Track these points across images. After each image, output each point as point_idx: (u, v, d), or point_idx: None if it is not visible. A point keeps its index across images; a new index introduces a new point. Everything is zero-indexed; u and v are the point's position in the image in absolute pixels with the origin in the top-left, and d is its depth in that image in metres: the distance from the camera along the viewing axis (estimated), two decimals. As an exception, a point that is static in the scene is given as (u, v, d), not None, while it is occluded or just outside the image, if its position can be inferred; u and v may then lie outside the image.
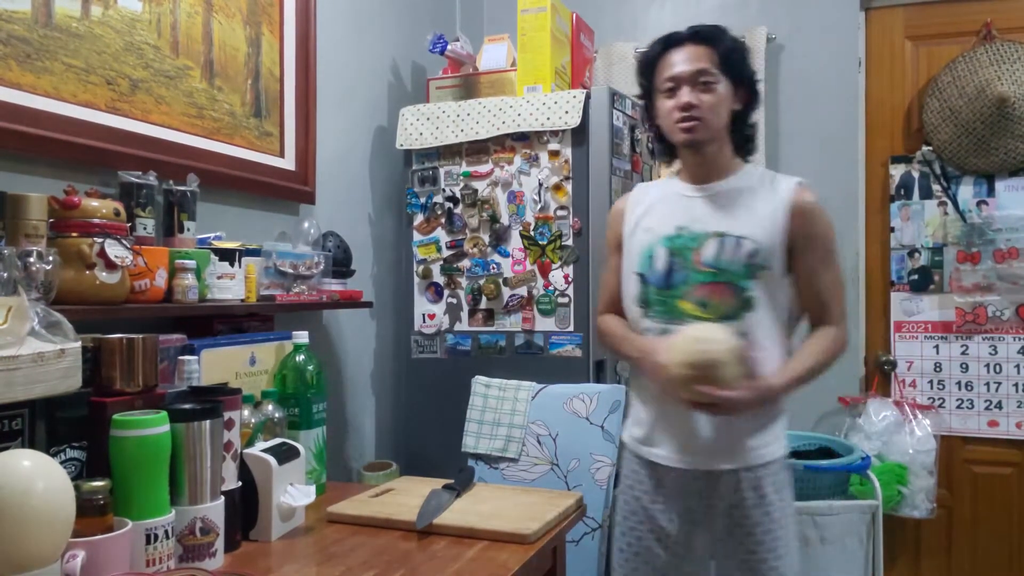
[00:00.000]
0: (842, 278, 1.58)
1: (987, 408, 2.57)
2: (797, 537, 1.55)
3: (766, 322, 1.50)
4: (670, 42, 1.54)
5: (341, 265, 2.01)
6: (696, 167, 1.58)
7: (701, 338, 1.37)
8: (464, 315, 2.30)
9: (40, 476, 0.89)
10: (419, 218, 2.35)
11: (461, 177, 2.29)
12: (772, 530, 1.49)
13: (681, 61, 1.51)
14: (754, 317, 1.49)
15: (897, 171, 2.66)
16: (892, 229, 2.67)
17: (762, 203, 1.52)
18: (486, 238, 2.27)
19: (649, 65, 1.57)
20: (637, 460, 1.61)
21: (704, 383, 1.36)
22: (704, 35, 1.52)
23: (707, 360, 1.35)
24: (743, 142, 1.60)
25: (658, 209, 1.61)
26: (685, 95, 1.49)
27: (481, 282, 2.27)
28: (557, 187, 2.19)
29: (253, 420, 1.40)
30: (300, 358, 1.57)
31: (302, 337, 1.59)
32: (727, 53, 1.51)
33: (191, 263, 1.42)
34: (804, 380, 1.50)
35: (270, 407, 1.47)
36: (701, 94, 1.49)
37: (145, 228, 1.41)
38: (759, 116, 2.59)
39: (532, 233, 2.21)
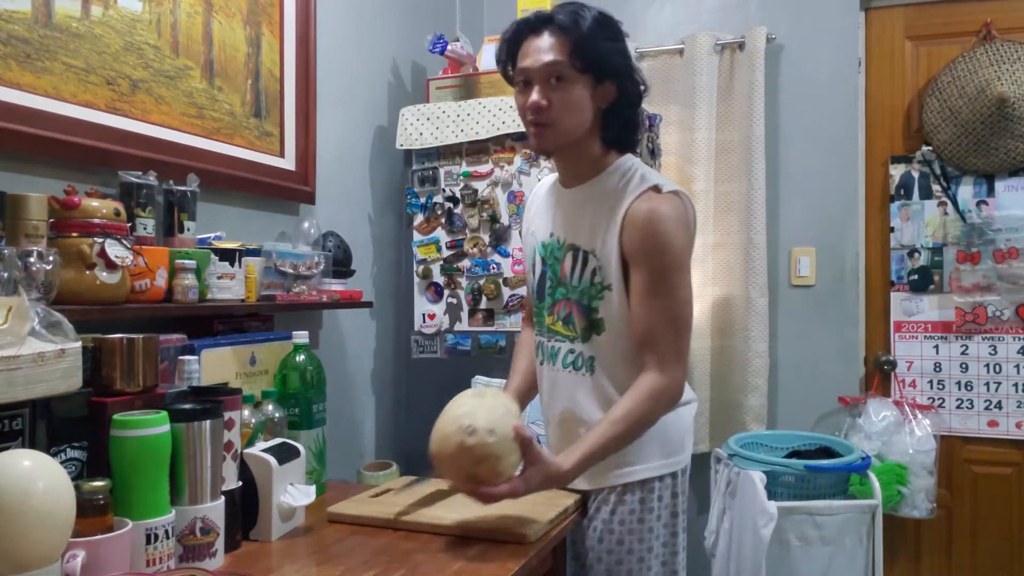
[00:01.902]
0: (681, 313, 1.32)
1: (987, 408, 2.57)
2: (664, 561, 1.42)
3: (618, 347, 1.37)
4: (521, 29, 1.34)
5: (341, 265, 2.00)
6: (562, 169, 1.44)
7: (468, 427, 1.16)
8: (464, 315, 2.30)
9: (40, 476, 0.89)
10: (419, 218, 2.35)
11: (461, 177, 2.29)
12: (634, 550, 1.39)
13: (532, 52, 1.31)
14: (604, 340, 1.37)
15: (897, 171, 2.66)
16: (892, 229, 2.67)
17: (605, 213, 1.35)
18: (486, 238, 2.27)
19: (507, 54, 1.37)
20: None
21: (475, 478, 1.19)
22: (558, 22, 1.30)
23: (476, 456, 1.16)
24: (615, 139, 1.39)
25: (540, 211, 1.50)
26: (534, 94, 1.31)
27: (481, 282, 2.27)
28: (557, 187, 2.19)
29: (253, 420, 1.40)
30: (300, 358, 1.57)
31: (302, 337, 1.59)
32: (582, 44, 1.28)
33: (191, 263, 1.42)
34: (603, 455, 1.30)
35: (270, 407, 1.47)
36: (552, 93, 1.30)
37: (145, 228, 1.41)
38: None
39: (532, 233, 2.21)
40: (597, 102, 1.34)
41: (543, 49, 1.30)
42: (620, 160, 1.40)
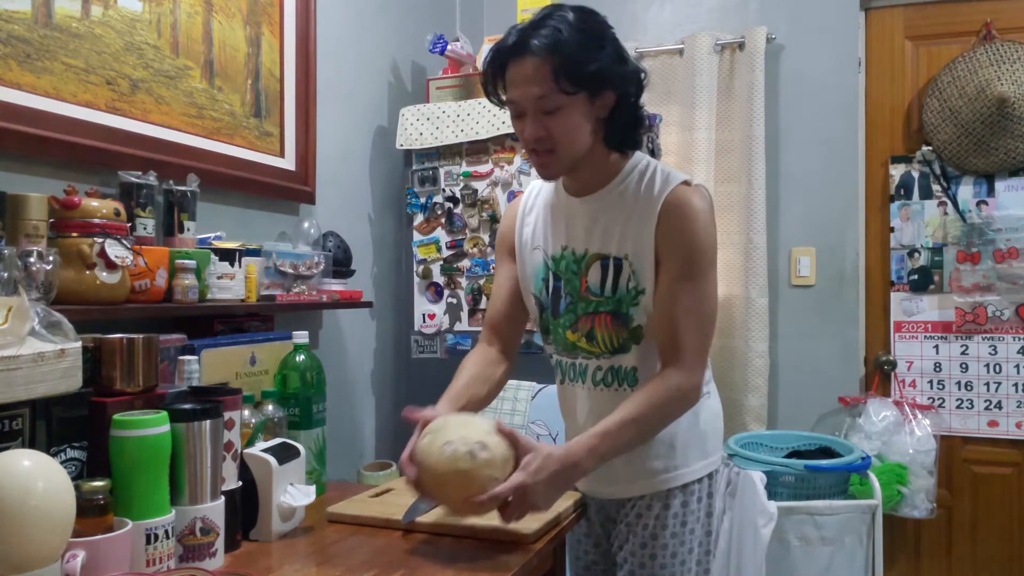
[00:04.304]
0: (707, 308, 1.28)
1: (987, 408, 2.57)
2: (699, 560, 1.41)
3: (656, 354, 1.32)
4: (501, 55, 1.25)
5: (341, 265, 2.01)
6: (572, 181, 1.37)
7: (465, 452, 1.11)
8: (464, 315, 2.30)
9: (40, 476, 0.89)
10: (419, 218, 2.35)
11: (461, 177, 2.29)
12: (677, 553, 1.38)
13: (519, 83, 1.23)
14: (644, 349, 1.33)
15: (897, 171, 2.66)
16: (892, 229, 2.67)
17: (636, 213, 1.30)
18: (486, 238, 2.27)
19: (493, 82, 1.29)
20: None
21: (473, 499, 1.12)
22: (534, 48, 1.20)
23: (470, 481, 1.11)
24: (620, 142, 1.32)
25: (544, 222, 1.42)
26: (529, 127, 1.25)
27: (481, 282, 2.27)
28: (557, 187, 2.19)
29: (253, 420, 1.40)
30: (300, 358, 1.57)
31: (302, 337, 1.59)
32: (567, 66, 1.19)
33: (191, 263, 1.42)
34: (615, 455, 1.24)
35: (270, 407, 1.47)
36: (548, 121, 1.23)
37: (145, 228, 1.41)
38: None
39: (532, 233, 2.21)
40: (596, 114, 1.27)
41: (529, 79, 1.22)
42: (632, 160, 1.35)
